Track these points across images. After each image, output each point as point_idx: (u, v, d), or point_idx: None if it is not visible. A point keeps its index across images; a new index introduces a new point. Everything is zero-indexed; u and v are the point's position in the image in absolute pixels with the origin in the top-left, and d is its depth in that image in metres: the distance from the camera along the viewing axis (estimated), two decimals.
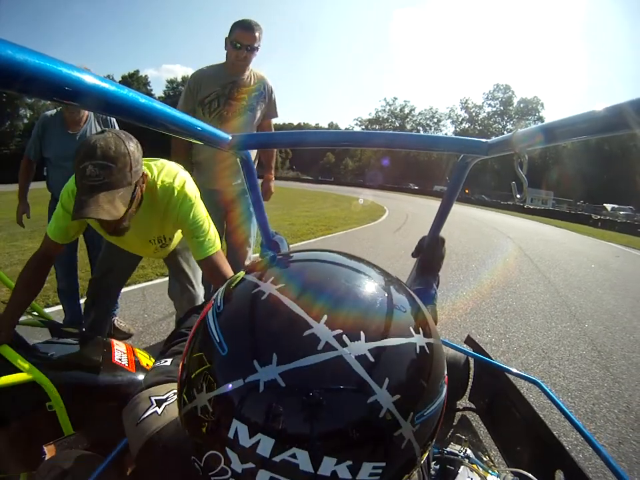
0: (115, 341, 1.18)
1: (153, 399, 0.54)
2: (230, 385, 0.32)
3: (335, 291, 0.36)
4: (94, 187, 1.02)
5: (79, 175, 1.03)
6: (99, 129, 1.82)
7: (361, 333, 0.32)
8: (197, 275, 1.77)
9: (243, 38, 1.97)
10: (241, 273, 0.42)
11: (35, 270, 1.26)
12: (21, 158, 2.21)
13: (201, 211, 1.33)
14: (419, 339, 0.35)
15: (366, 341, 0.32)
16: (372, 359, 0.31)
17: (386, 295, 0.38)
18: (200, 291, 1.79)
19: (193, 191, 1.34)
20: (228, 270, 1.35)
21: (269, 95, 2.23)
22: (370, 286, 0.38)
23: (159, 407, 0.53)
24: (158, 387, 0.57)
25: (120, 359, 1.07)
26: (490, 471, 0.92)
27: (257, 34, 1.99)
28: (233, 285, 0.41)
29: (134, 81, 50.39)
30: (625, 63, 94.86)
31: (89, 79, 0.40)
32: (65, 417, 0.93)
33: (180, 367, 0.41)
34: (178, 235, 1.55)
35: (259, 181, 2.29)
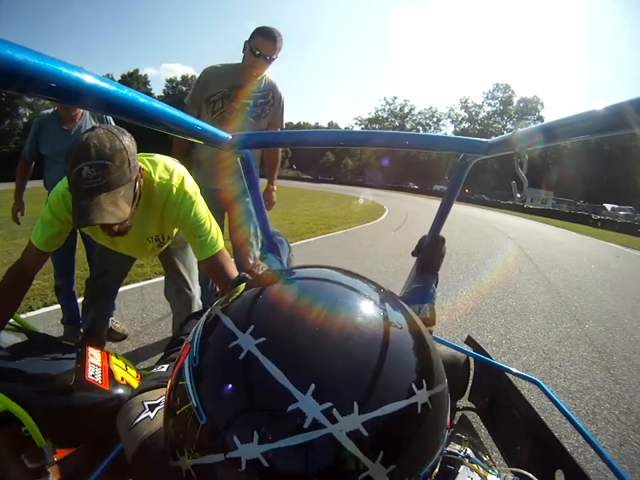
0: (90, 351, 1.09)
1: (145, 403, 0.55)
2: (212, 457, 0.30)
3: (324, 349, 0.31)
4: (93, 190, 0.93)
5: (73, 178, 0.94)
6: (94, 124, 1.76)
7: (354, 404, 0.29)
8: (192, 276, 1.75)
9: (263, 46, 1.94)
10: (216, 307, 0.38)
11: (10, 284, 1.16)
12: (19, 157, 2.24)
13: (202, 209, 1.27)
14: (420, 396, 0.31)
15: (359, 414, 0.28)
16: (365, 433, 0.28)
17: (384, 342, 0.33)
18: (196, 292, 1.77)
19: (192, 187, 1.27)
20: (232, 269, 1.29)
21: (277, 103, 2.16)
22: (365, 333, 0.33)
23: (152, 412, 0.54)
24: (151, 392, 0.59)
25: (93, 375, 1.00)
26: (490, 471, 0.92)
27: (277, 44, 1.96)
28: (209, 325, 0.36)
29: (133, 80, 50.35)
30: (624, 63, 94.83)
31: (88, 79, 0.40)
32: (42, 440, 0.90)
33: (165, 402, 0.39)
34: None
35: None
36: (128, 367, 1.11)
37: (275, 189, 2.37)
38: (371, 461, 0.28)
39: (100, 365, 1.04)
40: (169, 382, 0.38)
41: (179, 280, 1.72)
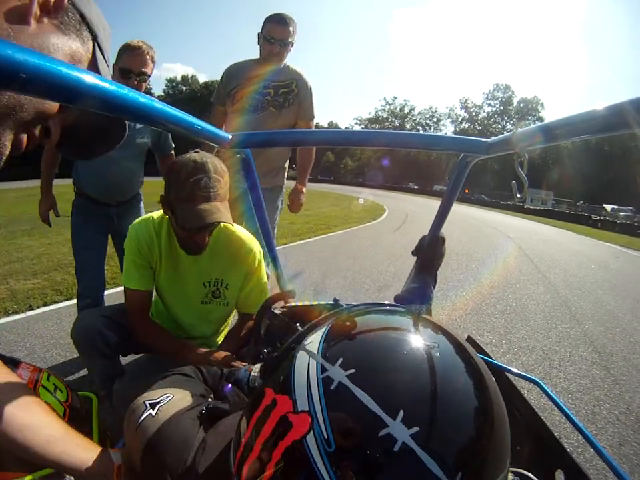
0: (22, 367, 1.00)
1: (146, 402, 0.58)
2: None
3: (467, 443, 0.33)
4: (210, 197, 1.05)
5: (190, 186, 1.04)
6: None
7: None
8: None
9: (276, 32, 1.93)
10: (336, 368, 0.36)
11: (150, 327, 1.25)
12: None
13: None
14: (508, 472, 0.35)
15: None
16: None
17: (503, 432, 0.36)
18: None
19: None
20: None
21: (304, 94, 2.08)
22: (493, 425, 0.36)
23: (153, 409, 0.56)
24: (151, 392, 0.61)
25: None
26: None
27: (290, 28, 1.94)
28: (339, 399, 0.34)
29: None
30: (624, 63, 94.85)
31: (88, 79, 0.40)
32: None
33: (238, 453, 0.38)
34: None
35: (286, 189, 2.26)
36: (57, 390, 1.00)
37: (305, 190, 2.20)
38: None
39: (26, 384, 0.91)
40: (264, 445, 0.35)
41: None
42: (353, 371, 0.34)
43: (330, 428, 0.31)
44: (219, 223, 1.11)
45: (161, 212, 1.24)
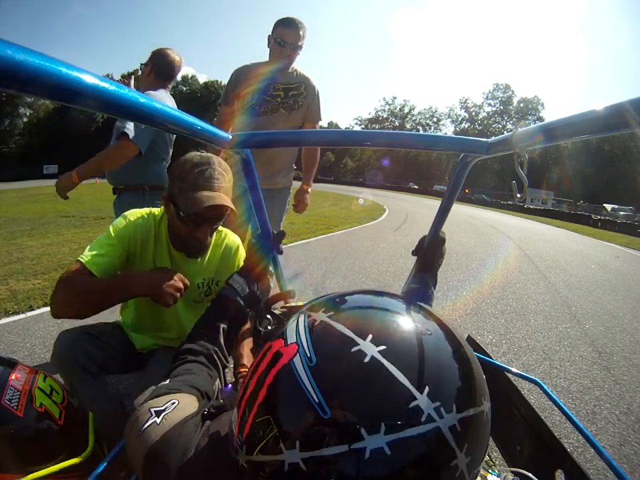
0: (18, 369, 0.99)
1: (152, 410, 0.57)
2: (333, 449, 0.33)
3: (431, 359, 0.38)
4: (214, 187, 1.03)
5: (195, 175, 1.02)
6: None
7: (453, 405, 0.35)
8: None
9: (286, 36, 1.97)
10: (319, 314, 0.42)
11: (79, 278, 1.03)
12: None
13: None
14: (485, 406, 0.39)
15: (456, 413, 0.35)
16: (459, 429, 0.35)
17: (469, 362, 0.41)
18: None
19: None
20: None
21: (312, 97, 2.15)
22: (457, 352, 0.41)
23: (158, 417, 0.56)
24: (156, 399, 0.60)
25: (10, 400, 0.91)
26: (490, 471, 0.92)
27: (301, 32, 1.99)
28: (320, 330, 0.40)
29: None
30: (625, 63, 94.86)
31: (88, 79, 0.40)
32: None
33: (241, 402, 0.42)
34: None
35: (293, 190, 2.28)
36: (54, 391, 1.00)
37: (310, 190, 2.28)
38: (460, 450, 0.35)
39: (21, 388, 0.94)
40: (259, 379, 0.40)
41: None
42: (332, 312, 0.42)
43: (312, 348, 0.38)
44: (223, 210, 1.07)
45: (159, 209, 1.22)
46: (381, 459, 0.32)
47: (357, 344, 0.37)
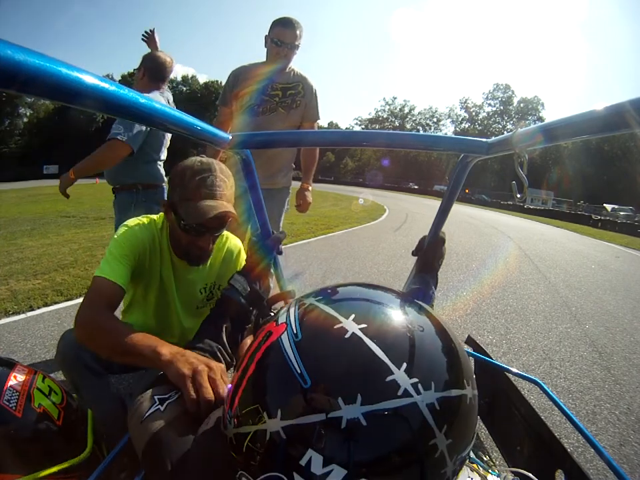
0: (17, 369, 0.98)
1: (156, 397, 0.58)
2: (311, 417, 0.34)
3: (411, 339, 0.39)
4: (215, 196, 1.01)
5: (196, 183, 0.99)
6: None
7: (432, 383, 0.36)
8: None
9: (283, 35, 1.97)
10: (309, 299, 0.45)
11: (117, 323, 0.99)
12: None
13: None
14: (469, 391, 0.40)
15: (435, 391, 0.36)
16: (438, 408, 0.35)
17: (450, 343, 0.42)
18: None
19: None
20: None
21: (309, 96, 2.16)
22: (438, 334, 0.42)
23: (162, 405, 0.56)
24: (160, 387, 0.61)
25: (9, 400, 0.90)
26: (490, 471, 0.92)
27: (297, 32, 1.99)
28: (308, 311, 0.43)
29: (133, 80, 50.20)
30: (625, 63, 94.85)
31: (88, 79, 0.40)
32: None
33: (234, 380, 0.43)
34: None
35: (292, 190, 2.29)
36: (52, 392, 0.99)
37: (311, 189, 2.30)
38: (439, 430, 0.35)
39: (20, 388, 0.94)
40: (251, 356, 0.42)
41: None
42: (320, 297, 0.45)
43: (299, 326, 0.40)
44: (226, 219, 1.06)
45: (159, 216, 1.21)
46: (357, 429, 0.33)
47: (340, 322, 0.39)
